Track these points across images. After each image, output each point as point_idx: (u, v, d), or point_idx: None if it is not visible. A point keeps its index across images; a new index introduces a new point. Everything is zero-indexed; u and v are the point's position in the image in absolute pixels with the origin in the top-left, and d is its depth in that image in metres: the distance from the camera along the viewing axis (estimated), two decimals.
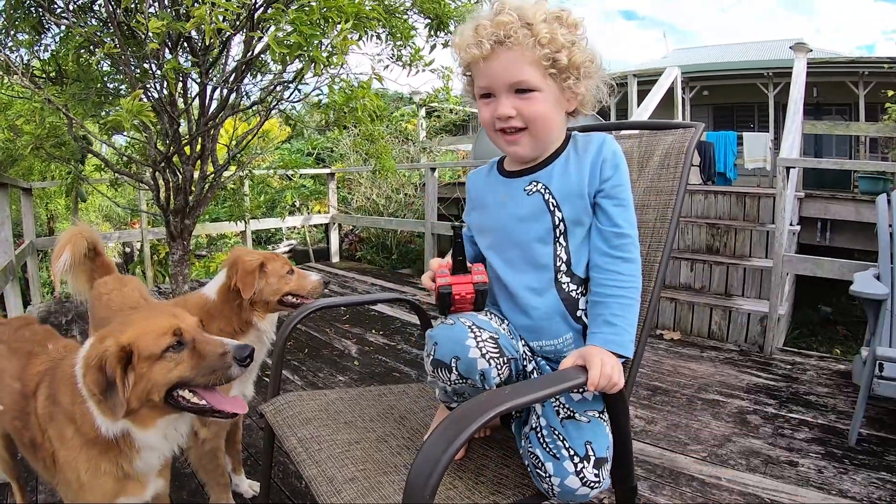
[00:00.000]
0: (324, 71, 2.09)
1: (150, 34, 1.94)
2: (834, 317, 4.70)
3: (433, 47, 3.03)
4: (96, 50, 2.43)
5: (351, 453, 1.13)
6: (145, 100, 2.42)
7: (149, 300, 1.95)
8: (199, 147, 2.80)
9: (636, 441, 2.21)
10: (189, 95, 2.83)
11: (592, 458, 0.94)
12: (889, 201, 2.62)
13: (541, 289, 1.05)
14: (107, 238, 5.65)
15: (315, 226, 8.11)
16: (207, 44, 2.21)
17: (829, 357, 3.10)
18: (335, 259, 6.72)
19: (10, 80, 2.66)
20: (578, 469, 0.93)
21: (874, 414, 2.35)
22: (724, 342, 3.44)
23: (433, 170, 5.41)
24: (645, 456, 2.10)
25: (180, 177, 2.80)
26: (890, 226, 2.56)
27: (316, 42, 1.85)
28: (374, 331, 3.75)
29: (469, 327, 0.97)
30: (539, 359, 1.09)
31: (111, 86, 3.06)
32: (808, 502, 1.78)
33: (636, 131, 1.37)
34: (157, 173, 2.69)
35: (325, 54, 1.94)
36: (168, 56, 2.39)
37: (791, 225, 4.05)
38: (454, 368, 0.97)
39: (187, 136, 2.71)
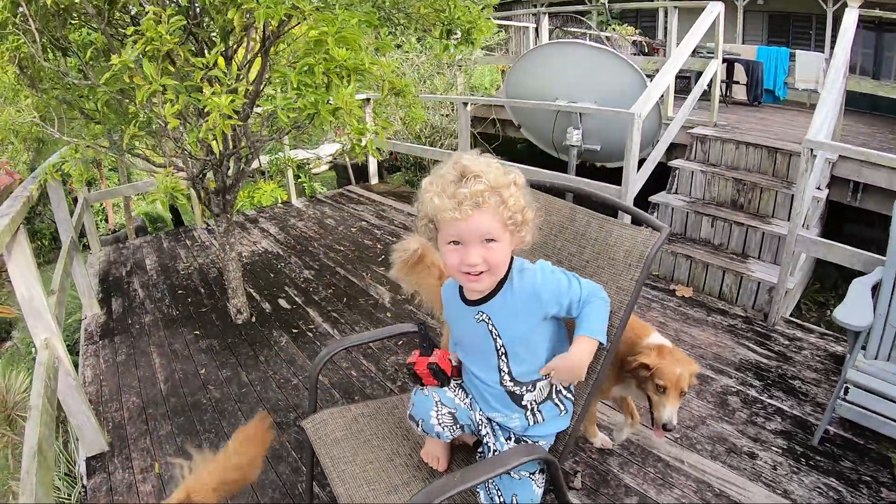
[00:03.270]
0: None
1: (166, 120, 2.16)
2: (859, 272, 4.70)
3: (445, 47, 3.14)
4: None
5: (366, 474, 1.46)
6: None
7: None
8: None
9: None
10: None
11: None
12: None
13: (490, 382, 1.37)
14: (152, 184, 5.90)
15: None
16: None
17: (830, 335, 3.18)
18: (374, 181, 6.90)
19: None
20: None
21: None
22: (732, 305, 3.59)
23: (465, 104, 5.36)
24: None
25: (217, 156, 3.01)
26: None
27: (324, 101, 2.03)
28: None
29: (435, 403, 1.41)
30: (494, 424, 1.42)
31: None
32: (752, 500, 2.02)
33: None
34: (195, 185, 2.93)
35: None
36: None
37: (818, 189, 4.06)
38: (419, 426, 1.44)
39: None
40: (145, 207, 8.51)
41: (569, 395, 1.41)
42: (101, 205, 7.67)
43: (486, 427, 1.43)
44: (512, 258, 1.33)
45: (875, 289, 2.36)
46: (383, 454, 1.54)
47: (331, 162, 9.28)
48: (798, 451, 2.26)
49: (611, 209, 1.60)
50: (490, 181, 1.18)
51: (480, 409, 1.43)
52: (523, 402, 1.36)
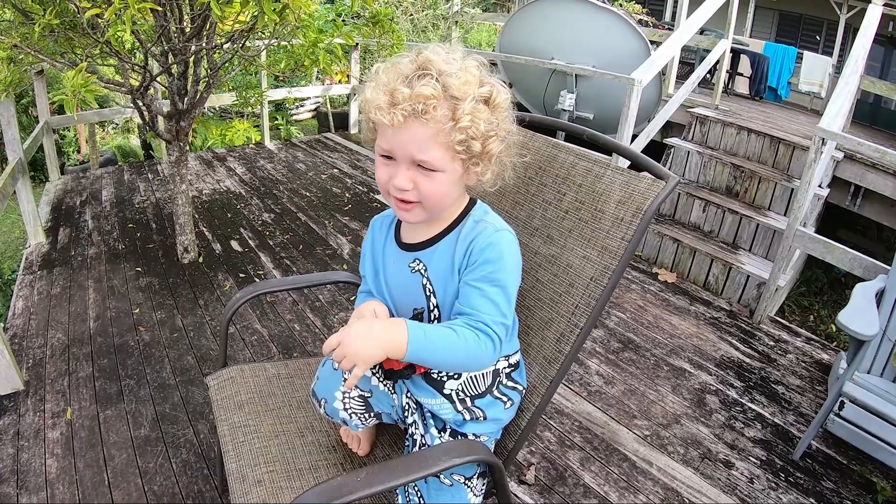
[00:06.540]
0: None
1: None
2: (846, 278, 4.54)
3: None
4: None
5: (268, 450, 1.19)
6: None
7: None
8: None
9: (588, 402, 2.27)
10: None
11: None
12: None
13: None
14: (120, 112, 5.49)
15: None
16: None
17: (816, 341, 2.96)
18: (353, 130, 6.54)
19: None
20: None
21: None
22: (717, 297, 3.38)
23: None
24: (590, 422, 2.16)
25: (174, 77, 2.69)
26: None
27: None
28: None
29: (344, 381, 1.06)
30: (426, 412, 1.10)
31: None
32: None
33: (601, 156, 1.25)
34: (136, 101, 2.57)
35: None
36: None
37: (819, 187, 3.81)
38: (321, 406, 1.14)
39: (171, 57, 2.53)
40: (119, 141, 8.07)
41: (515, 385, 1.08)
42: (76, 135, 7.27)
43: (413, 414, 1.11)
44: (474, 202, 1.04)
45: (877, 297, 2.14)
46: (294, 427, 1.27)
47: (314, 110, 8.93)
48: (777, 465, 2.04)
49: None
50: (448, 85, 0.86)
51: (408, 391, 1.11)
52: (445, 391, 1.03)
